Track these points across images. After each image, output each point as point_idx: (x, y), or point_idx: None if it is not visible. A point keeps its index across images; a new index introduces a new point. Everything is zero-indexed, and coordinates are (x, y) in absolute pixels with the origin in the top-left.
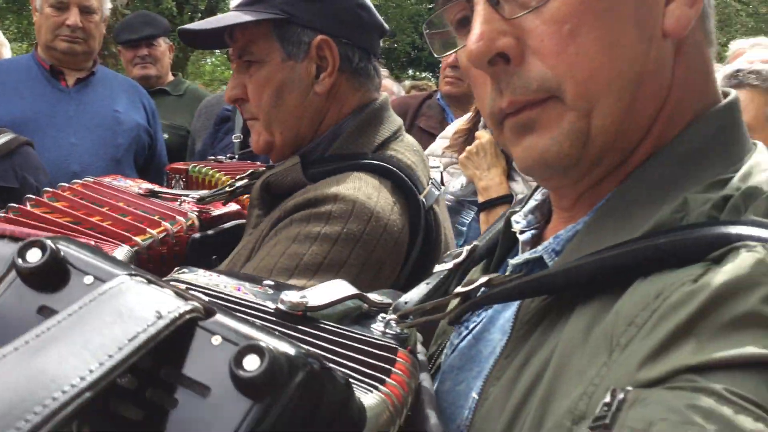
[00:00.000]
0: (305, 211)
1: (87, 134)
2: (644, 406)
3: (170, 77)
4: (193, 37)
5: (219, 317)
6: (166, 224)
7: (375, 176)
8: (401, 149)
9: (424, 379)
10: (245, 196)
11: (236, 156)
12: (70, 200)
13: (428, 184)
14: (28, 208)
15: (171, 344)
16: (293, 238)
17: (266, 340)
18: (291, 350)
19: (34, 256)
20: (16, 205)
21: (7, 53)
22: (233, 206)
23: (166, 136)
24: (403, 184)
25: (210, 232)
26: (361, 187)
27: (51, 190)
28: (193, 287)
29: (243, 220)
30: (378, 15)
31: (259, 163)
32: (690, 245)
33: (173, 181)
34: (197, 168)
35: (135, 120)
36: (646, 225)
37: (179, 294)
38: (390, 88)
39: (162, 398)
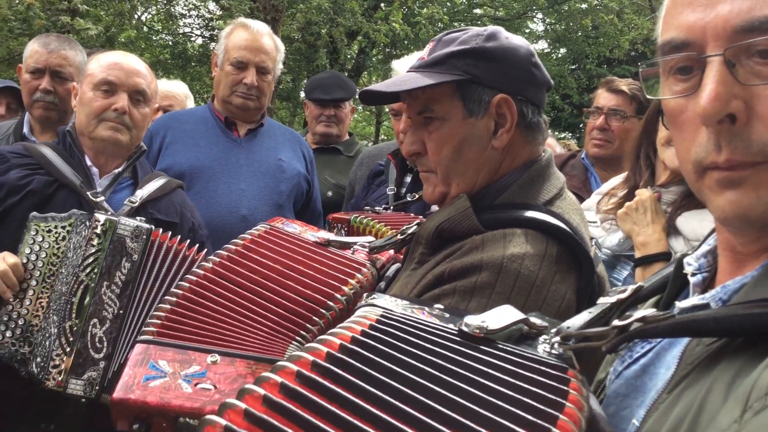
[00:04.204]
0: (463, 281)
1: (254, 181)
2: None
3: (346, 136)
4: (371, 96)
5: None
6: (359, 276)
7: (543, 238)
8: (566, 208)
9: (593, 400)
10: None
11: (391, 207)
12: (270, 248)
13: (592, 245)
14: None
15: None
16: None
17: None
18: None
19: None
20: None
21: (191, 104)
22: (390, 252)
23: (330, 193)
24: (572, 246)
25: (382, 284)
26: (525, 256)
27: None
28: (390, 312)
29: (399, 265)
30: (545, 70)
31: (413, 215)
32: None
33: (335, 231)
34: (358, 218)
35: (296, 168)
36: None
37: None
38: (553, 146)
39: None
